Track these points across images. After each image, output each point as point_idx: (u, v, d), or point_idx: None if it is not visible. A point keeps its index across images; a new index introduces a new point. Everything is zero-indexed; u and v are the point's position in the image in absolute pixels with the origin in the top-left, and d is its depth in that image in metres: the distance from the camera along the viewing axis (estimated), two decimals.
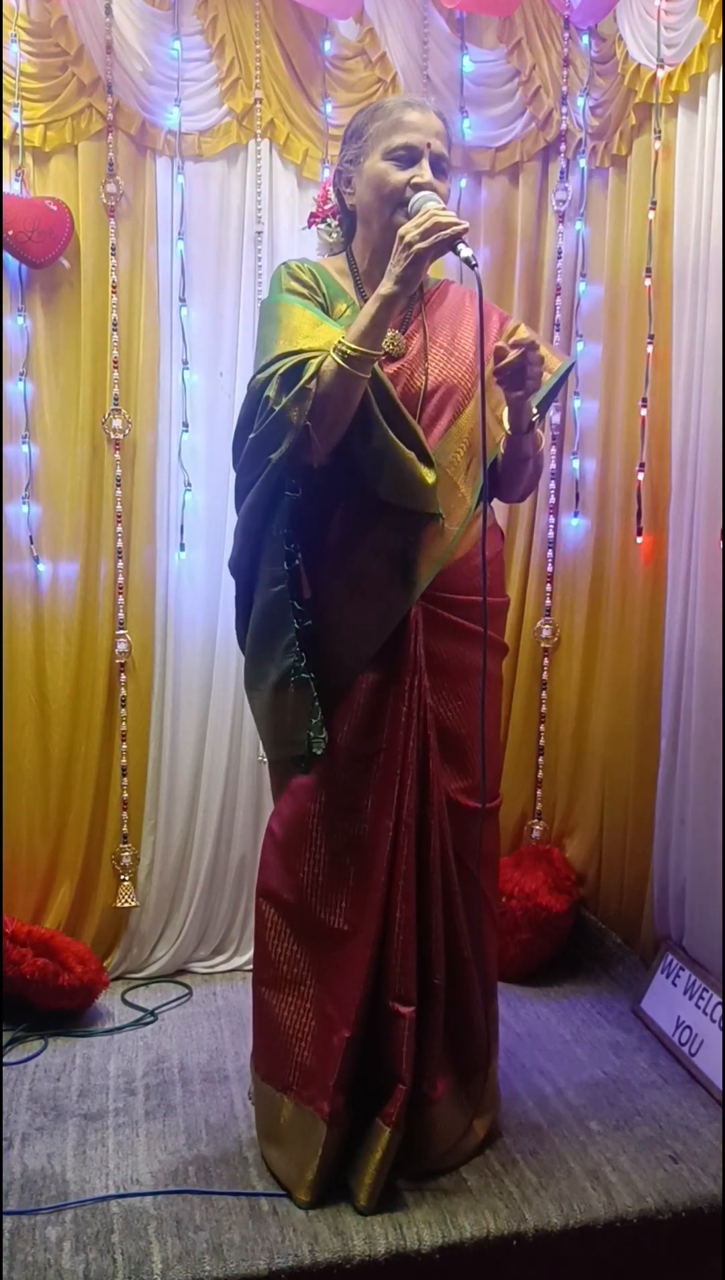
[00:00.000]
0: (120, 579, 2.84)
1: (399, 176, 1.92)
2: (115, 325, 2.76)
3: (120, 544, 2.82)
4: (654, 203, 2.70)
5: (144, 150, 2.77)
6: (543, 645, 3.17)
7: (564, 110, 2.97)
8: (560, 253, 3.03)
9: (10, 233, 2.60)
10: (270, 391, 1.86)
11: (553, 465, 3.10)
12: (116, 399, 2.78)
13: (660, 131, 2.67)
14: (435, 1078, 2.09)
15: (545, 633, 3.17)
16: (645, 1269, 2.06)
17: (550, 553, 3.14)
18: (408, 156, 1.93)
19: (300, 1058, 2.06)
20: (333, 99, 2.85)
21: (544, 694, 3.20)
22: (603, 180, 2.94)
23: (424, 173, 1.92)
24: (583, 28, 2.91)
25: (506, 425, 1.99)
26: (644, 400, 2.77)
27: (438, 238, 1.78)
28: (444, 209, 1.84)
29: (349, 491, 1.96)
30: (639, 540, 2.83)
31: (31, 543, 2.79)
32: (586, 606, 3.05)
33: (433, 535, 1.98)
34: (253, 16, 2.76)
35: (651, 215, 2.72)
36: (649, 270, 2.73)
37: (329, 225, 2.16)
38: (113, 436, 2.79)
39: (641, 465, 2.80)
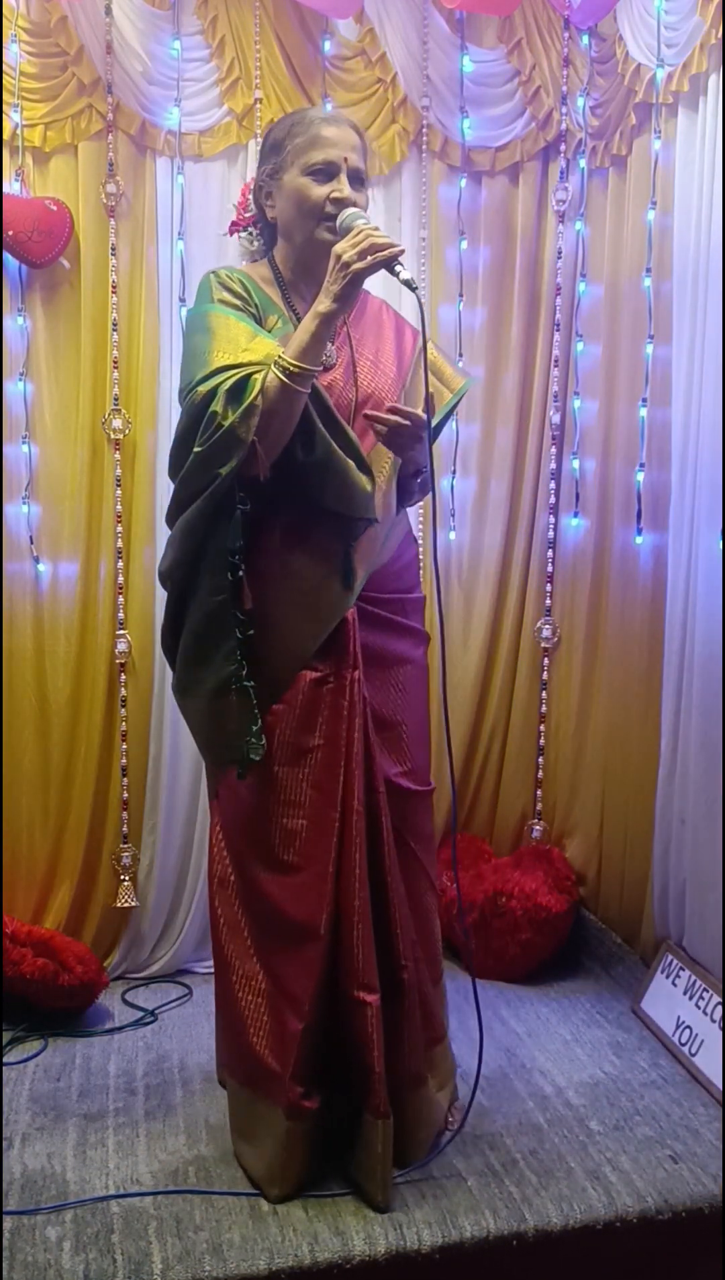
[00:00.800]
0: (120, 579, 2.84)
1: (319, 192, 1.99)
2: (115, 325, 2.76)
3: (120, 544, 2.82)
4: (654, 203, 2.71)
5: (144, 150, 2.77)
6: (543, 645, 3.17)
7: (564, 110, 2.97)
8: (560, 253, 3.03)
9: (10, 233, 2.60)
10: (217, 406, 1.87)
11: (553, 465, 3.10)
12: (116, 399, 2.78)
13: (660, 131, 2.67)
14: (422, 1061, 2.13)
15: (545, 633, 3.17)
16: (645, 1269, 2.06)
17: (550, 553, 3.14)
18: (326, 171, 1.99)
19: (259, 1051, 2.08)
20: (333, 99, 2.85)
21: (544, 694, 3.20)
22: (603, 180, 2.94)
23: (343, 187, 1.99)
24: (583, 28, 2.91)
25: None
26: (644, 400, 2.77)
27: (375, 259, 1.85)
28: (377, 229, 1.90)
29: (290, 501, 2.00)
30: (639, 540, 2.83)
31: (31, 543, 2.79)
32: (586, 606, 3.05)
33: (367, 540, 2.04)
34: (253, 16, 2.76)
35: (651, 215, 2.72)
36: (649, 270, 2.74)
37: (250, 234, 2.20)
38: (113, 436, 2.79)
39: (641, 465, 2.80)
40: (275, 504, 1.98)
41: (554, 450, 3.11)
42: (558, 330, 3.06)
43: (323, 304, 1.88)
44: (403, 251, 1.88)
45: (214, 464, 1.89)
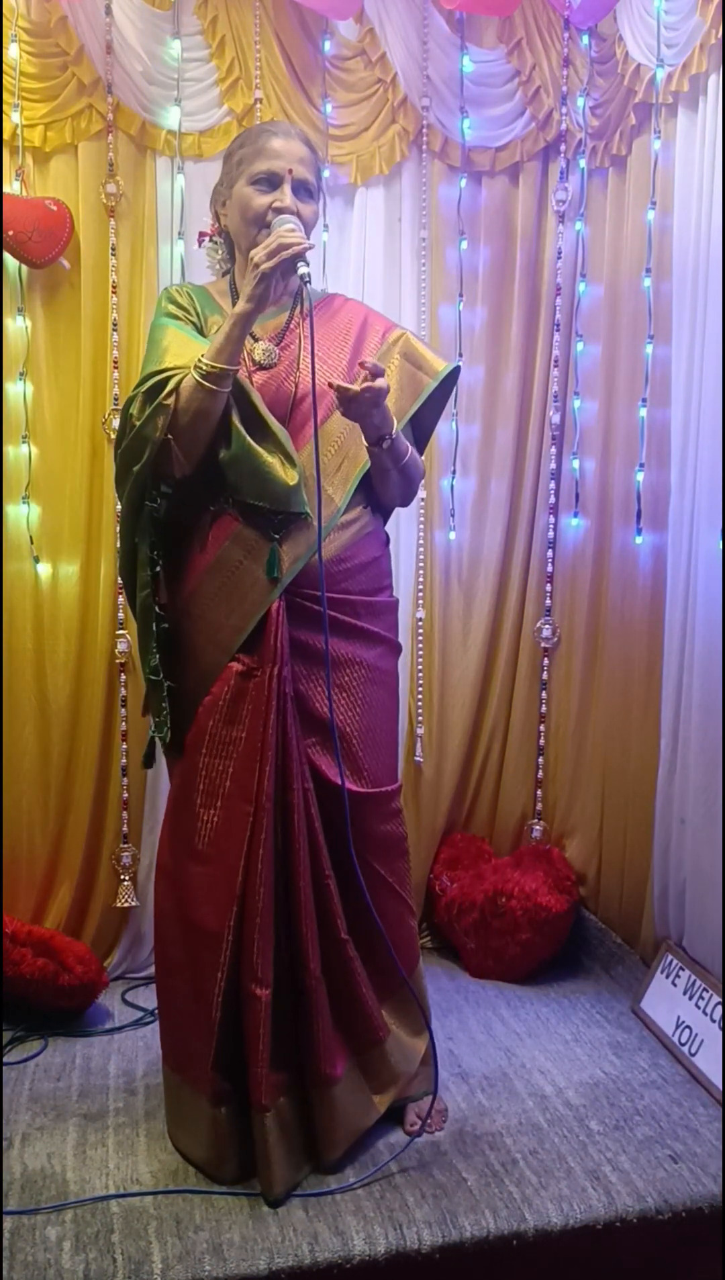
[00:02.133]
0: (120, 579, 2.84)
1: (261, 201, 2.07)
2: (115, 325, 2.76)
3: (120, 544, 2.82)
4: (654, 203, 2.71)
5: (144, 150, 2.77)
6: (543, 645, 3.17)
7: (564, 110, 2.97)
8: (560, 253, 3.03)
9: (10, 233, 2.60)
10: (133, 409, 2.01)
11: (553, 465, 3.10)
12: (116, 399, 2.78)
13: (660, 131, 2.67)
14: (334, 1057, 2.12)
15: (545, 633, 3.17)
16: (645, 1269, 2.06)
17: (550, 553, 3.14)
18: (269, 181, 2.07)
19: (186, 1041, 2.14)
20: (333, 99, 2.85)
21: (544, 694, 3.20)
22: (603, 180, 2.94)
23: (284, 197, 2.06)
24: (583, 28, 2.91)
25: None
26: (644, 400, 2.77)
27: (280, 258, 1.93)
28: (294, 230, 1.99)
29: (219, 495, 2.06)
30: (639, 540, 2.83)
31: (31, 543, 2.79)
32: (586, 606, 3.05)
33: (297, 533, 2.06)
34: (253, 16, 2.76)
35: (651, 215, 2.72)
36: (649, 270, 2.74)
37: (215, 244, 2.25)
38: (112, 436, 2.78)
39: (641, 465, 2.80)
40: (208, 500, 2.07)
41: (554, 450, 3.11)
42: (558, 330, 3.06)
43: (239, 305, 1.97)
44: (308, 248, 1.97)
45: (130, 462, 2.03)
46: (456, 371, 2.29)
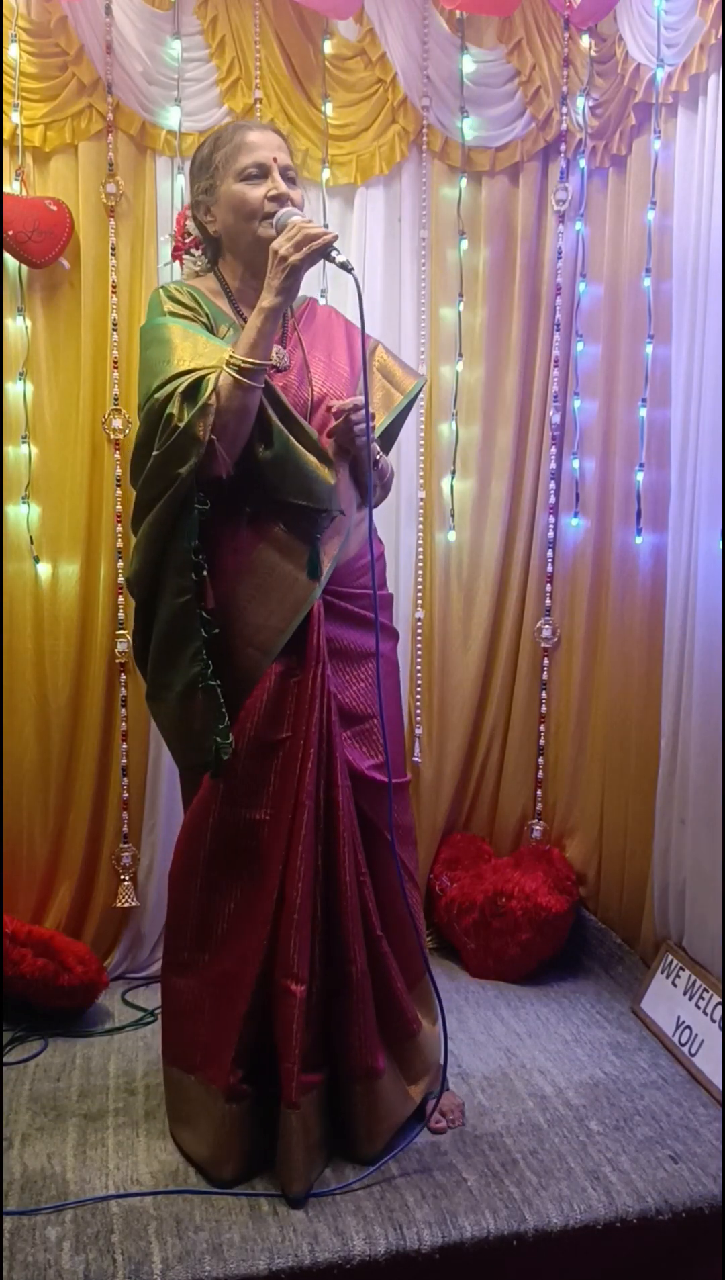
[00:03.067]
0: (120, 579, 2.84)
1: (256, 193, 2.06)
2: (115, 325, 2.76)
3: (120, 544, 2.82)
4: (654, 203, 2.71)
5: (144, 150, 2.77)
6: (543, 645, 3.17)
7: (564, 110, 2.97)
8: (560, 253, 3.03)
9: (10, 233, 2.60)
10: (172, 409, 1.93)
11: (553, 465, 3.10)
12: (116, 399, 2.78)
13: (660, 131, 2.67)
14: (376, 1050, 2.14)
15: (545, 633, 3.17)
16: (645, 1269, 2.06)
17: (550, 553, 3.14)
18: (259, 173, 2.07)
19: (202, 1038, 2.13)
20: (333, 99, 2.85)
21: (544, 694, 3.20)
22: (603, 180, 2.94)
23: (277, 184, 2.07)
24: (583, 28, 2.90)
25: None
26: (644, 400, 2.77)
27: (311, 249, 1.93)
28: (310, 221, 1.98)
29: (254, 498, 2.04)
30: (639, 540, 2.83)
31: (31, 543, 2.79)
32: (586, 606, 3.05)
33: (332, 533, 2.09)
34: (253, 16, 2.76)
35: (651, 215, 2.72)
36: (649, 270, 2.74)
37: (193, 256, 2.25)
38: (113, 436, 2.79)
39: (641, 465, 2.80)
40: (241, 501, 2.04)
41: (554, 450, 3.11)
42: (558, 330, 3.06)
43: (266, 299, 1.95)
44: (336, 238, 1.96)
45: (173, 465, 1.95)
46: (422, 384, 2.34)
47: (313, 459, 2.01)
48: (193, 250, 2.24)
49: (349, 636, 2.14)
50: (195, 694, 2.03)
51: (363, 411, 2.05)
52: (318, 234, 1.94)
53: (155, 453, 1.96)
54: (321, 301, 2.40)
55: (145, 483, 2.01)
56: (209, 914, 2.13)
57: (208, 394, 1.92)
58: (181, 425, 1.92)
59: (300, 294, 2.12)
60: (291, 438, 1.99)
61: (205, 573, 2.00)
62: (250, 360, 1.93)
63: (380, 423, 2.21)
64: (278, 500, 2.03)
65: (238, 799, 2.08)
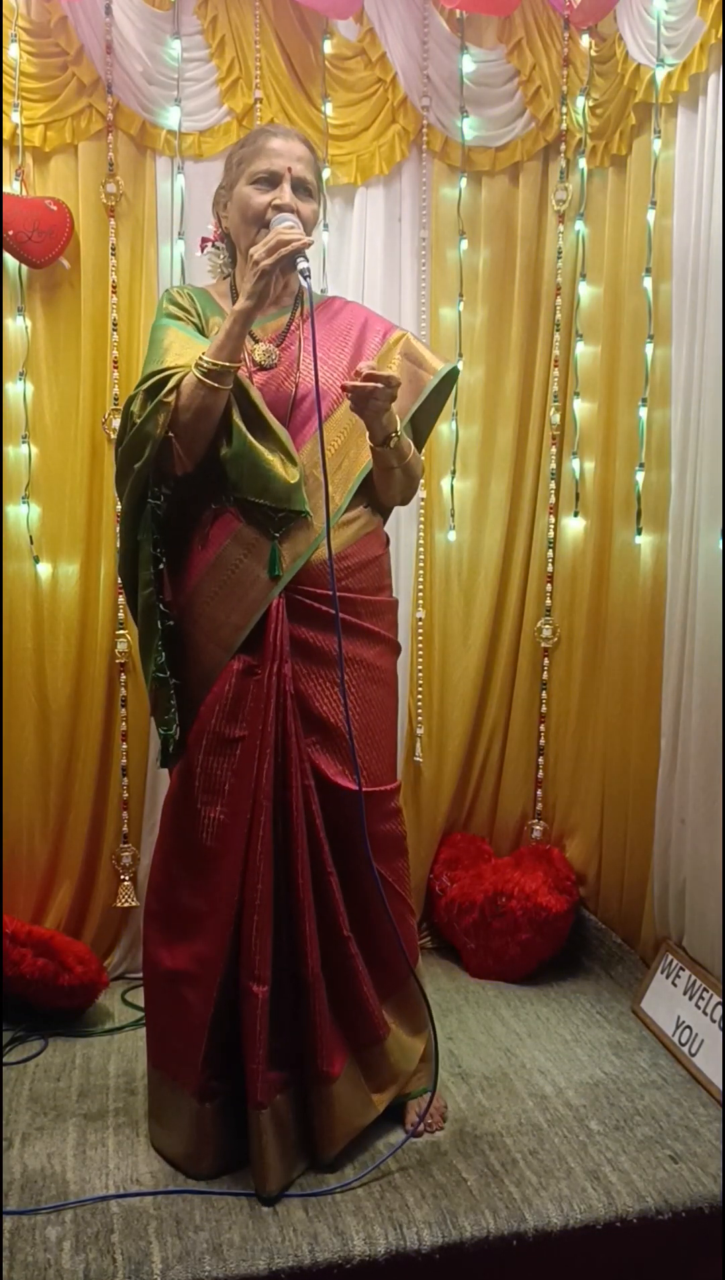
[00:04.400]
0: (120, 579, 2.84)
1: (261, 200, 2.09)
2: (115, 325, 2.76)
3: (119, 544, 2.82)
4: (654, 203, 2.71)
5: (144, 150, 2.77)
6: (543, 645, 3.17)
7: (564, 110, 2.97)
8: (560, 253, 3.04)
9: (10, 233, 2.60)
10: (134, 407, 2.02)
11: (553, 465, 3.10)
12: (116, 399, 2.78)
13: (660, 131, 2.67)
14: (332, 1055, 2.12)
15: (545, 633, 3.17)
16: (645, 1269, 2.06)
17: (550, 553, 3.14)
18: (269, 180, 2.09)
19: (174, 1039, 2.15)
20: (333, 99, 2.85)
21: (544, 694, 3.20)
22: (603, 180, 2.94)
23: (284, 195, 2.08)
24: (583, 28, 2.91)
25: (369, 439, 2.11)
26: (644, 400, 2.77)
27: (279, 254, 1.95)
28: (293, 227, 2.00)
29: (219, 493, 2.08)
30: (639, 540, 2.83)
31: (31, 543, 2.79)
32: (586, 606, 3.05)
33: (297, 531, 2.08)
34: (253, 16, 2.76)
35: (651, 215, 2.72)
36: (649, 270, 2.74)
37: (217, 249, 2.27)
38: (112, 436, 2.78)
39: (641, 465, 2.80)
40: (209, 499, 2.08)
41: (554, 450, 3.11)
42: (558, 330, 3.06)
43: (239, 302, 1.98)
44: (307, 244, 1.97)
45: (131, 459, 2.03)
46: (455, 372, 2.30)
47: (273, 458, 2.02)
48: (217, 244, 2.26)
49: (323, 639, 2.10)
50: (153, 682, 2.10)
51: (383, 373, 1.96)
52: (289, 240, 1.95)
53: (119, 448, 2.06)
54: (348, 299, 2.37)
55: (115, 478, 2.13)
56: (172, 913, 2.15)
57: (167, 392, 1.98)
58: (138, 422, 2.00)
59: (320, 289, 2.12)
60: (250, 436, 2.01)
61: (161, 566, 2.07)
62: (215, 362, 1.96)
63: (408, 406, 2.18)
64: (243, 498, 2.05)
65: (198, 796, 2.10)
